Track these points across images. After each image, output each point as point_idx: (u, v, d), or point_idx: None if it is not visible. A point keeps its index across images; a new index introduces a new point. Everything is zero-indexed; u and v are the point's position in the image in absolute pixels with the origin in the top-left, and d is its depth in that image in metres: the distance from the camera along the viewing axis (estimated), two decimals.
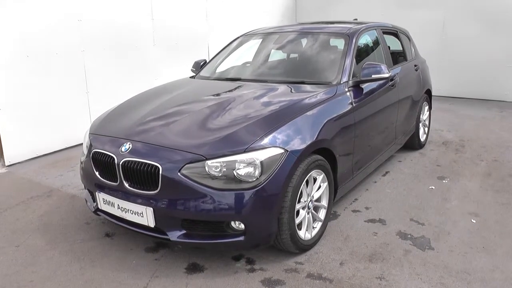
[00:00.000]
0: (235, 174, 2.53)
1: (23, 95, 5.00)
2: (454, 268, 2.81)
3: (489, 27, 7.60)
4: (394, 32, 4.71)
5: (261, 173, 2.54)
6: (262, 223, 2.59)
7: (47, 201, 3.98)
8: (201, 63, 4.41)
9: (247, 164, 2.53)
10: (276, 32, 4.29)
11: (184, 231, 2.64)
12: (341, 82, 3.44)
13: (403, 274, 2.75)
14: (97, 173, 2.93)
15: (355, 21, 4.76)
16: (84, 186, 3.41)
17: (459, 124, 6.24)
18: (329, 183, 3.08)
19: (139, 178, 2.66)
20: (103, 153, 2.86)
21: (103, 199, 2.90)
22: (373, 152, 3.81)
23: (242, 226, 2.58)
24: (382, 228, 3.32)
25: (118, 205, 2.79)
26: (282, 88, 3.41)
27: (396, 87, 4.12)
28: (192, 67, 4.48)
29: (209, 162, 2.53)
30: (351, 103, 3.37)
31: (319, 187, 3.02)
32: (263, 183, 2.53)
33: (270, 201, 2.58)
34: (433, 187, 4.05)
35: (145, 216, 2.66)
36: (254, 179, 2.53)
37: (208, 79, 4.07)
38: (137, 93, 6.22)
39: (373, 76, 3.47)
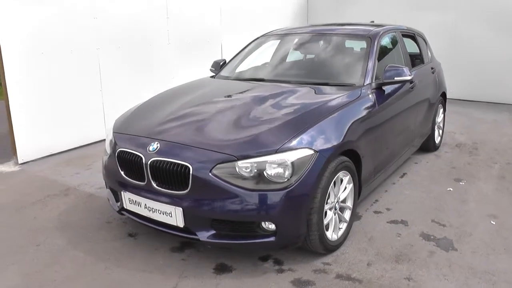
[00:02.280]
0: (266, 174, 2.54)
1: (36, 92, 4.98)
2: (479, 269, 2.84)
3: (501, 29, 7.63)
4: (412, 35, 4.74)
5: (292, 174, 2.55)
6: (292, 223, 2.61)
7: (64, 200, 3.98)
8: (221, 63, 4.42)
9: (278, 165, 2.54)
10: (296, 33, 4.31)
11: (213, 231, 2.65)
12: (365, 84, 3.46)
13: (430, 275, 2.77)
14: (122, 172, 2.93)
15: (372, 23, 4.79)
16: (106, 185, 3.42)
17: (470, 126, 6.27)
18: (354, 184, 3.10)
19: (168, 178, 2.67)
20: (129, 152, 2.86)
21: (129, 198, 2.90)
22: (393, 154, 3.83)
23: (273, 226, 2.59)
24: (405, 229, 3.34)
25: (145, 205, 2.79)
26: (307, 89, 3.43)
27: (415, 89, 4.15)
28: (212, 66, 4.49)
29: (240, 162, 2.54)
30: (375, 105, 3.39)
31: (345, 188, 3.04)
32: (294, 184, 2.55)
33: (301, 202, 2.59)
34: (451, 189, 4.07)
35: (173, 216, 2.66)
36: (285, 180, 2.55)
37: (229, 79, 4.08)
38: (151, 92, 6.27)
39: (395, 78, 3.50)
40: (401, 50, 4.23)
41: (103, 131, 5.83)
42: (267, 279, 2.71)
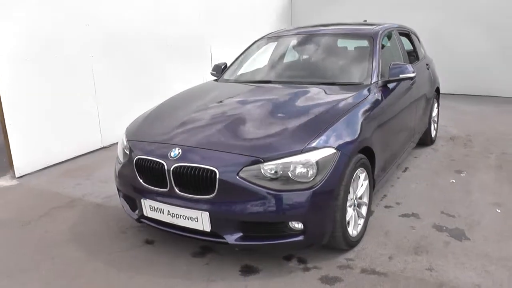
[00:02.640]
0: (292, 175, 2.58)
1: (30, 103, 4.87)
2: (494, 256, 2.95)
3: (481, 27, 7.91)
4: (406, 33, 4.86)
5: (317, 173, 2.60)
6: (319, 222, 2.66)
7: (72, 212, 3.92)
8: (222, 66, 4.44)
9: (304, 165, 2.59)
10: (296, 34, 4.37)
11: (240, 234, 2.67)
12: (371, 83, 3.55)
13: (449, 264, 2.86)
14: (141, 180, 2.92)
15: (365, 22, 4.89)
16: (120, 194, 3.40)
17: (460, 119, 6.47)
18: (369, 181, 3.17)
19: (192, 183, 2.67)
20: (149, 159, 2.86)
21: (149, 206, 2.89)
22: (399, 149, 3.93)
23: (301, 225, 2.63)
24: (417, 222, 3.43)
25: (168, 211, 2.79)
26: (317, 89, 3.48)
27: (414, 86, 4.27)
28: (213, 70, 4.50)
29: (266, 164, 2.57)
30: (383, 102, 3.48)
31: (361, 185, 3.10)
32: (319, 183, 2.59)
33: (327, 200, 2.64)
34: (454, 181, 4.21)
35: (200, 220, 2.67)
36: (310, 179, 2.59)
37: (236, 82, 4.10)
38: (145, 98, 6.26)
39: (400, 75, 3.60)
40: (399, 47, 4.34)
41: (99, 139, 5.76)
42: (295, 278, 2.75)
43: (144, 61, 6.32)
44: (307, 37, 4.28)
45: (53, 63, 5.07)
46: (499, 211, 3.58)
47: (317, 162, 2.60)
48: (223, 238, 2.67)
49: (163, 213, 2.82)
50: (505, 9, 7.76)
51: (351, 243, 2.97)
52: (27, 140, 4.89)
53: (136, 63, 6.19)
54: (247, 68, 4.31)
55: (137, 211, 3.08)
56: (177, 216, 2.75)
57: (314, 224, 2.64)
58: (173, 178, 2.72)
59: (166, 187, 2.77)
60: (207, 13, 7.48)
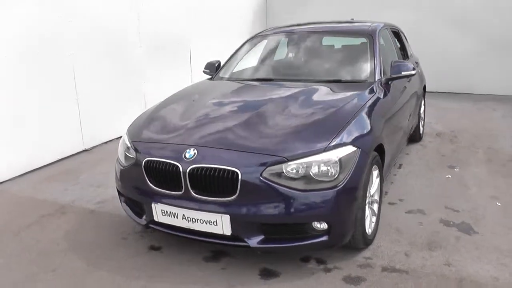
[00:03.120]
0: (315, 173, 2.51)
1: (6, 104, 4.56)
2: (505, 249, 3.00)
3: (458, 26, 8.17)
4: (396, 31, 4.92)
5: (340, 172, 2.55)
6: (343, 221, 2.61)
7: (63, 219, 3.69)
8: (216, 64, 4.32)
9: (327, 164, 2.53)
10: (293, 32, 4.32)
11: (262, 236, 2.58)
12: (376, 80, 3.55)
13: (465, 258, 2.89)
14: (150, 183, 2.77)
15: (353, 20, 4.91)
16: (122, 199, 3.23)
17: (443, 116, 6.63)
18: (380, 178, 3.16)
19: (210, 185, 2.56)
20: (161, 161, 2.71)
21: (161, 210, 2.74)
22: (399, 145, 3.96)
23: (325, 226, 2.57)
24: (424, 218, 3.46)
25: (183, 215, 2.65)
26: (325, 87, 3.43)
27: (409, 83, 4.31)
28: (205, 68, 4.37)
29: (290, 163, 2.50)
30: (388, 99, 3.48)
31: (374, 182, 3.09)
32: (343, 182, 2.55)
33: (350, 199, 2.60)
34: (449, 176, 4.28)
35: (219, 224, 2.56)
36: (334, 178, 2.54)
37: (237, 81, 3.99)
38: (128, 98, 6.02)
39: (402, 73, 3.61)
40: (394, 45, 4.38)
41: (80, 142, 5.49)
42: (319, 280, 2.68)
43: (126, 60, 6.09)
44: (305, 34, 4.23)
45: (32, 61, 4.77)
46: (499, 204, 3.66)
47: (340, 160, 2.55)
48: (244, 241, 2.57)
49: (177, 217, 2.68)
50: (482, 9, 8.02)
51: (367, 241, 2.95)
52: (3, 144, 4.57)
53: (117, 62, 5.95)
54: (244, 66, 4.22)
55: (145, 216, 2.92)
56: (194, 220, 2.62)
57: (338, 224, 2.59)
58: (189, 181, 2.59)
59: (180, 190, 2.64)
60: (186, 12, 7.31)
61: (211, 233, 2.62)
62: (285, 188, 2.47)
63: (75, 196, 4.18)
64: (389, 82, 3.68)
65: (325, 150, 2.55)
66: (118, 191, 3.24)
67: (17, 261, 3.07)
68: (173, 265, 2.91)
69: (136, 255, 3.07)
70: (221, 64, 4.40)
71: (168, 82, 6.99)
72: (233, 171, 2.49)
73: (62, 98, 5.17)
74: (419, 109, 5.11)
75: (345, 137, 2.67)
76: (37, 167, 4.95)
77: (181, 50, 7.28)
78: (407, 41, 5.31)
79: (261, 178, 2.47)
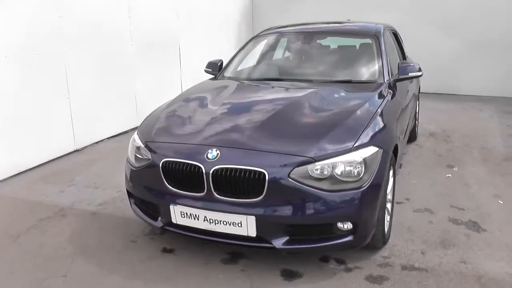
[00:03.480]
0: (341, 174, 2.50)
1: None
2: None
3: (441, 27, 8.34)
4: (394, 32, 4.98)
5: (364, 172, 2.55)
6: (367, 221, 2.61)
7: (65, 222, 3.56)
8: (219, 64, 4.25)
9: (352, 164, 2.52)
10: (297, 32, 4.30)
11: (287, 238, 2.55)
12: (385, 81, 3.57)
13: (478, 256, 2.94)
14: (168, 185, 2.69)
15: (349, 21, 4.94)
16: (131, 200, 3.13)
17: (433, 117, 6.75)
18: (394, 177, 3.19)
19: (235, 186, 2.51)
20: (181, 162, 2.63)
21: (181, 212, 2.66)
22: (404, 144, 4.01)
23: (349, 226, 2.56)
24: (433, 217, 3.50)
25: (205, 217, 2.59)
26: (338, 87, 3.43)
27: (411, 83, 4.38)
28: (207, 67, 4.31)
29: (317, 164, 2.48)
30: (397, 100, 3.51)
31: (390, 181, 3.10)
32: (367, 181, 2.54)
33: (374, 198, 2.60)
34: (450, 175, 4.36)
35: (244, 225, 2.51)
36: (359, 178, 2.53)
37: (244, 80, 3.94)
38: (118, 97, 5.86)
39: (410, 74, 3.66)
40: (395, 46, 4.43)
41: (72, 142, 5.31)
42: (342, 280, 2.67)
43: (116, 59, 5.93)
44: (311, 34, 4.23)
45: (26, 60, 4.58)
46: (502, 202, 3.75)
47: (364, 161, 2.55)
48: (269, 243, 2.53)
49: (198, 219, 2.61)
50: (466, 12, 8.21)
51: (385, 241, 2.97)
52: None
53: (108, 60, 5.80)
54: (249, 65, 4.17)
55: (160, 219, 2.84)
56: (216, 222, 2.56)
57: (363, 224, 2.58)
58: (212, 182, 2.53)
59: (202, 191, 2.57)
60: (175, 9, 7.19)
61: (235, 234, 2.57)
62: (312, 189, 2.45)
63: (73, 198, 4.03)
64: (396, 83, 3.72)
65: (350, 150, 2.55)
66: (128, 192, 3.14)
67: (21, 266, 2.94)
68: (191, 267, 2.84)
69: (150, 258, 2.98)
70: (224, 63, 4.34)
71: (158, 80, 6.87)
72: (260, 172, 2.44)
73: (53, 97, 4.99)
74: (416, 109, 5.20)
75: (367, 137, 2.67)
76: (28, 168, 4.76)
77: (171, 49, 7.16)
78: (403, 42, 5.39)
79: (289, 178, 2.44)
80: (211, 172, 2.51)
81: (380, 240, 2.85)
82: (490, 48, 8.13)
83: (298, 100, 3.13)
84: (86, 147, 5.53)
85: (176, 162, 2.64)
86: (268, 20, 9.60)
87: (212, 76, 4.28)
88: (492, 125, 6.21)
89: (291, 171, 2.45)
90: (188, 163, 2.59)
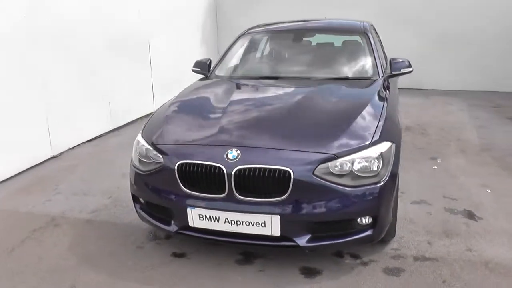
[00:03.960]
0: (361, 169, 2.53)
1: None
2: (510, 231, 3.23)
3: (406, 26, 8.63)
4: (374, 29, 5.09)
5: (382, 166, 2.60)
6: (386, 214, 2.66)
7: (60, 232, 3.38)
8: (208, 62, 4.19)
9: (371, 159, 2.56)
10: (286, 29, 4.31)
11: (309, 235, 2.55)
12: (380, 77, 3.66)
13: (481, 243, 3.07)
14: (184, 187, 2.63)
15: (326, 19, 5.00)
16: (137, 206, 3.02)
17: (406, 111, 6.95)
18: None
19: (258, 186, 2.48)
20: (199, 164, 2.56)
21: (199, 215, 2.60)
22: None
23: (368, 220, 2.60)
24: (430, 208, 3.62)
25: (226, 218, 2.55)
26: (339, 84, 3.47)
27: (395, 78, 4.50)
28: (195, 67, 4.23)
29: (339, 160, 2.50)
30: (394, 95, 3.61)
31: None
32: (385, 176, 2.59)
33: (391, 192, 2.66)
34: (436, 167, 4.53)
35: (268, 225, 2.49)
36: (378, 173, 2.57)
37: (241, 79, 3.90)
38: (91, 100, 5.63)
39: (401, 70, 3.77)
40: (380, 43, 4.54)
41: (49, 148, 5.05)
42: (361, 274, 2.71)
43: (88, 60, 5.70)
44: (301, 31, 4.25)
45: None
46: (489, 191, 3.94)
47: (382, 155, 2.60)
48: (293, 241, 2.52)
49: (218, 221, 2.56)
50: (428, 9, 8.53)
51: (393, 233, 3.04)
52: None
53: (81, 61, 5.56)
54: (241, 63, 4.13)
55: (174, 223, 2.76)
56: (238, 223, 2.52)
57: (382, 217, 2.62)
58: (233, 183, 2.49)
59: (222, 193, 2.52)
60: (145, 9, 7.00)
61: (258, 235, 2.54)
62: (335, 185, 2.46)
63: (62, 206, 3.84)
64: (388, 79, 3.82)
65: (369, 146, 2.59)
66: (134, 197, 3.03)
67: (23, 281, 2.77)
68: (207, 270, 2.79)
69: (162, 264, 2.89)
70: (212, 62, 4.28)
71: (129, 82, 6.66)
72: (285, 171, 2.43)
73: (28, 100, 4.72)
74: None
75: (381, 132, 2.72)
76: (6, 178, 4.47)
77: (141, 49, 6.96)
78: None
79: (314, 176, 2.44)
80: (233, 172, 2.47)
81: (392, 233, 2.92)
82: (451, 44, 8.49)
83: (306, 98, 3.14)
84: (62, 153, 5.28)
85: (194, 164, 2.57)
86: (232, 20, 9.59)
87: (202, 75, 4.20)
88: (463, 118, 6.51)
89: (315, 168, 2.45)
90: (207, 165, 2.53)
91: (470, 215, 3.48)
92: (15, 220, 3.61)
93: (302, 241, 2.53)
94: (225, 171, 2.48)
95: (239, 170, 2.47)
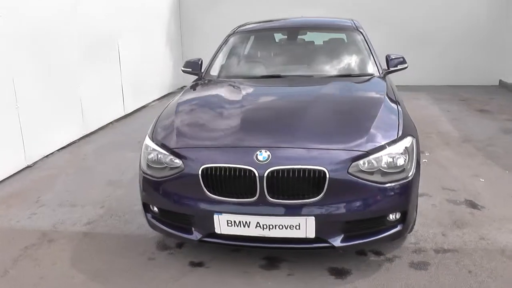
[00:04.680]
0: (388, 165, 2.51)
1: None
2: None
3: (372, 23, 8.77)
4: None
5: (408, 161, 2.59)
6: (413, 209, 2.66)
7: (56, 248, 3.12)
8: (199, 62, 4.02)
9: (398, 155, 2.54)
10: (280, 28, 4.24)
11: (342, 235, 2.49)
12: (380, 73, 3.67)
13: (490, 231, 3.15)
14: (209, 193, 2.48)
15: (303, 17, 4.98)
16: (149, 215, 2.83)
17: None
18: None
19: (290, 188, 2.39)
20: (227, 167, 2.42)
21: (227, 221, 2.47)
22: None
23: (396, 216, 2.57)
24: (432, 200, 3.68)
25: (257, 223, 2.43)
26: (346, 81, 3.45)
27: None
28: (186, 67, 4.06)
29: (371, 157, 2.46)
30: (397, 91, 3.64)
31: None
32: (411, 170, 2.58)
33: (416, 186, 2.66)
34: (426, 160, 4.63)
35: (302, 227, 2.40)
36: (405, 168, 2.56)
37: (240, 78, 3.78)
38: (64, 104, 5.29)
39: (398, 66, 3.81)
40: None
41: (23, 157, 4.68)
42: (390, 270, 2.68)
43: (61, 62, 5.35)
44: (294, 30, 4.20)
45: None
46: (483, 180, 4.08)
47: (407, 150, 2.59)
48: (328, 242, 2.45)
49: (248, 226, 2.44)
50: (391, 8, 8.75)
51: (412, 228, 3.05)
52: None
53: (53, 64, 5.21)
54: (240, 63, 4.01)
55: (196, 231, 2.60)
56: (271, 227, 2.41)
57: (410, 212, 2.62)
58: (265, 185, 2.38)
59: (253, 196, 2.41)
60: (114, 6, 6.68)
61: (291, 238, 2.44)
62: (369, 183, 2.42)
63: (51, 219, 3.55)
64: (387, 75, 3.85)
65: (396, 142, 2.57)
66: (145, 206, 2.83)
67: None
68: (233, 279, 2.65)
69: (182, 275, 2.72)
70: (203, 62, 4.12)
71: (100, 85, 6.32)
72: (320, 170, 2.35)
73: (1, 107, 4.34)
74: None
75: (404, 128, 2.72)
76: None
77: (110, 50, 6.63)
78: None
79: (348, 174, 2.39)
80: (265, 175, 2.36)
81: (412, 228, 2.92)
82: (418, 43, 8.73)
83: (321, 96, 3.09)
84: (36, 162, 4.91)
85: (220, 167, 2.43)
86: (196, 19, 9.40)
87: (194, 75, 4.04)
88: (435, 111, 6.74)
89: (349, 166, 2.40)
90: (236, 168, 2.40)
91: (473, 205, 3.57)
92: (1, 237, 3.28)
93: (337, 241, 2.46)
94: (256, 174, 2.37)
95: (272, 172, 2.36)
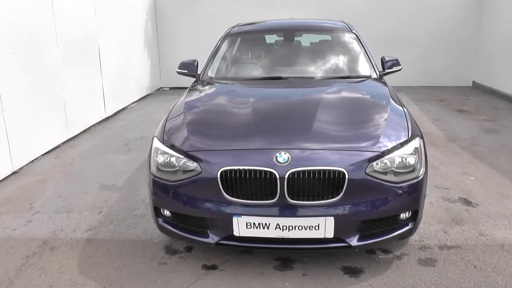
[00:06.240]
0: (400, 165, 2.58)
1: None
2: (505, 213, 3.49)
3: (353, 22, 8.94)
4: None
5: (418, 161, 2.67)
6: (422, 207, 2.73)
7: (60, 255, 3.03)
8: (195, 63, 4.00)
9: (409, 155, 2.62)
10: (276, 29, 4.26)
11: (358, 234, 2.55)
12: (377, 75, 3.76)
13: (488, 227, 3.29)
14: (228, 196, 2.48)
15: (292, 19, 5.05)
16: (160, 219, 2.80)
17: None
18: None
19: (310, 189, 2.42)
20: (247, 169, 2.43)
21: (246, 223, 2.47)
22: None
23: (409, 214, 2.65)
24: (429, 198, 3.77)
25: (277, 224, 2.45)
26: (348, 83, 3.50)
27: None
28: (181, 69, 4.02)
29: (386, 157, 2.52)
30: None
31: None
32: (421, 169, 2.66)
33: (425, 184, 2.73)
34: None
35: (321, 228, 2.44)
36: (416, 168, 2.63)
37: (242, 79, 3.78)
38: (48, 107, 5.15)
39: (393, 68, 3.91)
40: None
41: (9, 163, 4.51)
42: (400, 268, 2.75)
43: (44, 64, 5.19)
44: (288, 31, 4.23)
45: None
46: (473, 178, 4.24)
47: (417, 150, 2.67)
48: (345, 242, 2.50)
49: (268, 228, 2.45)
50: (369, 9, 8.93)
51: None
52: None
53: (37, 66, 5.05)
54: (237, 64, 4.01)
55: (212, 233, 2.60)
56: (290, 228, 2.43)
57: (420, 210, 2.70)
58: (286, 186, 2.40)
59: (273, 198, 2.42)
60: (95, 7, 6.54)
61: (310, 238, 2.48)
62: (385, 183, 2.48)
63: (49, 227, 3.45)
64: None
65: (407, 142, 2.65)
66: (156, 210, 2.79)
67: None
68: (250, 281, 2.66)
69: (197, 279, 2.70)
70: (199, 64, 4.10)
71: (83, 85, 6.18)
72: (339, 171, 2.40)
73: None
74: None
75: (412, 128, 2.80)
76: None
77: (90, 51, 6.48)
78: None
79: (366, 175, 2.44)
80: (286, 176, 2.38)
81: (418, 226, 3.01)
82: (398, 46, 8.94)
83: (329, 97, 3.13)
84: (22, 167, 4.75)
85: (240, 170, 2.44)
86: (171, 20, 9.32)
87: (190, 77, 4.01)
88: (416, 112, 6.93)
89: (367, 167, 2.45)
90: (257, 170, 2.42)
91: (467, 202, 3.71)
92: None
93: (353, 241, 2.52)
94: (277, 176, 2.39)
95: (292, 173, 2.39)
